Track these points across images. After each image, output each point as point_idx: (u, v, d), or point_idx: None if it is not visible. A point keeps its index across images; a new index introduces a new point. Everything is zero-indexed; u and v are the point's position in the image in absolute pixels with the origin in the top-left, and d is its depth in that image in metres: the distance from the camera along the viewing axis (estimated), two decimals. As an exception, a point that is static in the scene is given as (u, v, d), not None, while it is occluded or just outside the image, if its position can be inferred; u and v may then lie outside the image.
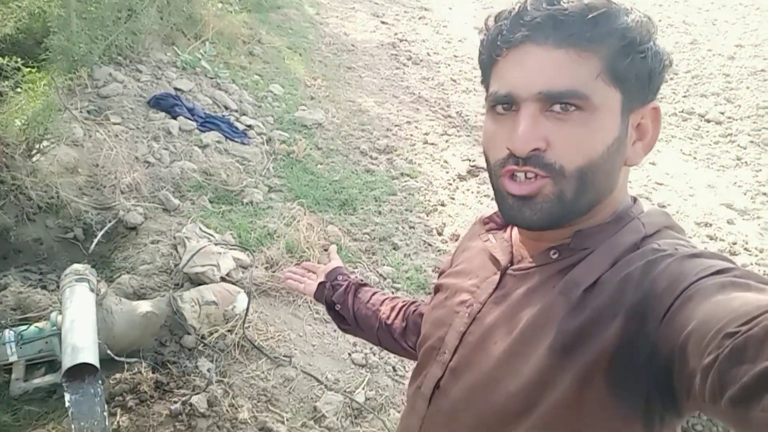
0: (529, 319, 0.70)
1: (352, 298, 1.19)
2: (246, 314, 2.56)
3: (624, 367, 0.61)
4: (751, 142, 5.84)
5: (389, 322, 1.12)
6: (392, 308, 1.14)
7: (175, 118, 3.99)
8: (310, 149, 4.40)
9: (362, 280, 1.25)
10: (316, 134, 4.67)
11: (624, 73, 0.67)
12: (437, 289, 0.93)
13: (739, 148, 5.78)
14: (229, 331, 2.52)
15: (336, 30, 7.37)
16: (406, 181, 4.29)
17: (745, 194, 4.99)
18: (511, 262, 0.80)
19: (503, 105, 0.71)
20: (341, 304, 1.20)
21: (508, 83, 0.70)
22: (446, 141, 5.13)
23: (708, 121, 6.28)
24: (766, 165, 5.46)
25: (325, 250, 3.26)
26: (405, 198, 4.09)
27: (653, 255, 0.65)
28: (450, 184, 4.45)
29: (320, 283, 1.25)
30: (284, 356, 2.51)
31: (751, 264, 3.98)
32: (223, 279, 2.73)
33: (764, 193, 5.01)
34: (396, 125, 5.22)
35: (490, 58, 0.74)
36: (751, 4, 9.50)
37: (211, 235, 3.03)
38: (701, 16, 8.97)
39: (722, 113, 6.38)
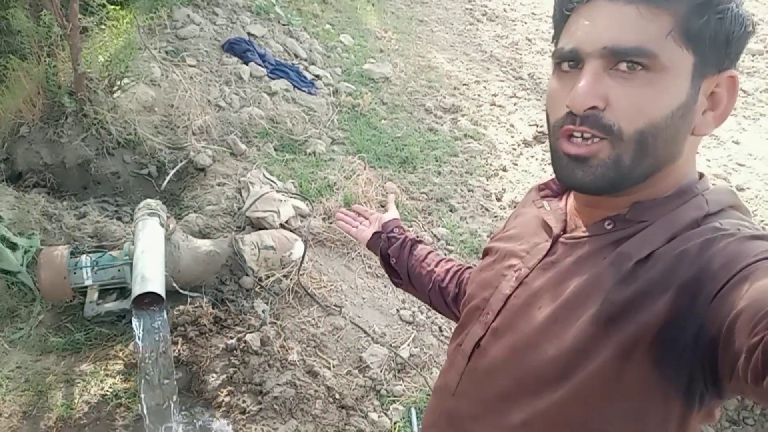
0: (576, 287, 0.70)
1: (408, 254, 1.18)
2: (302, 262, 2.65)
3: (669, 343, 0.61)
4: None
5: (443, 285, 1.12)
6: (447, 271, 1.14)
7: (246, 63, 4.06)
8: (375, 104, 4.39)
9: (418, 237, 1.24)
10: (382, 89, 4.64)
11: (698, 34, 0.64)
12: (486, 251, 0.93)
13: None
14: (284, 276, 2.63)
15: (411, -20, 7.16)
16: (468, 143, 4.23)
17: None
18: (564, 231, 0.79)
19: (569, 62, 0.69)
20: (396, 258, 1.19)
21: (574, 38, 0.68)
22: (515, 104, 4.99)
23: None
24: None
25: (382, 206, 3.31)
26: (466, 160, 4.04)
27: (713, 233, 0.63)
28: (514, 149, 4.35)
29: (375, 233, 1.25)
30: (335, 305, 2.60)
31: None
32: (282, 225, 2.83)
33: None
34: (464, 84, 5.10)
35: (561, 14, 0.72)
36: None
37: (274, 182, 3.12)
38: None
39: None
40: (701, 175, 0.74)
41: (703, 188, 0.71)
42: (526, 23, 6.70)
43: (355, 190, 3.26)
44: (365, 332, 2.54)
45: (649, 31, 0.63)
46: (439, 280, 1.13)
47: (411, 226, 3.31)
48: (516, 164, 4.17)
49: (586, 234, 0.75)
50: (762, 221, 3.93)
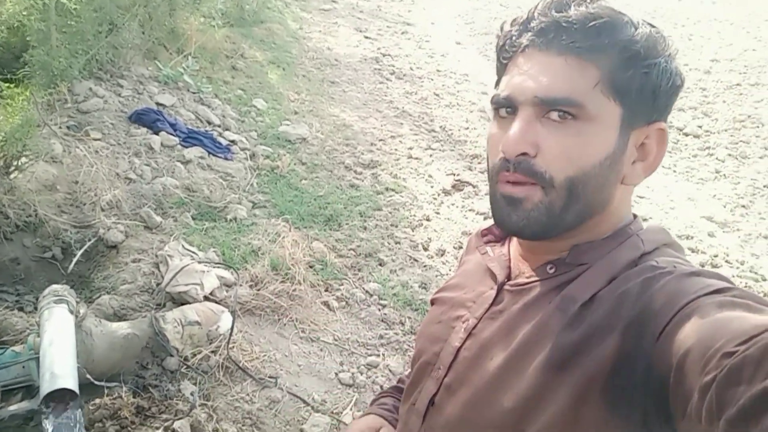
0: (525, 335, 0.69)
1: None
2: (230, 334, 2.51)
3: (620, 384, 0.60)
4: (729, 155, 5.96)
5: None
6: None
7: (157, 133, 3.94)
8: (294, 164, 4.37)
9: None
10: (300, 149, 4.65)
11: (624, 86, 0.66)
12: (433, 302, 0.91)
13: (717, 161, 5.89)
14: (213, 352, 2.46)
15: (319, 44, 7.38)
16: (391, 196, 4.28)
17: (724, 207, 5.07)
18: (509, 277, 0.79)
19: (506, 108, 0.71)
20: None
21: (509, 86, 0.71)
22: (430, 155, 5.14)
23: (686, 134, 6.40)
24: (744, 177, 5.56)
25: (311, 266, 3.23)
26: (390, 213, 4.07)
27: (651, 272, 0.65)
28: (435, 199, 4.45)
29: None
30: (270, 377, 2.46)
31: (733, 276, 4.03)
32: (206, 298, 2.68)
33: (743, 206, 5.10)
34: (380, 140, 5.22)
35: (501, 63, 0.75)
36: (726, 20, 9.75)
37: (194, 253, 2.98)
38: (677, 31, 9.17)
39: (700, 127, 6.50)
40: (635, 216, 0.76)
41: (637, 228, 0.74)
42: (432, 80, 7.04)
43: (282, 253, 3.17)
44: (304, 402, 2.41)
45: (577, 82, 0.66)
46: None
47: (342, 284, 3.25)
48: (438, 213, 4.26)
49: (530, 279, 0.75)
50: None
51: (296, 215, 3.73)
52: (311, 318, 2.93)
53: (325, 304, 3.07)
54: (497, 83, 0.77)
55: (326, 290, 3.17)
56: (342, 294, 3.17)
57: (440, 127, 5.75)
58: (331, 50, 7.30)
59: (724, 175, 5.62)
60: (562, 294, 0.70)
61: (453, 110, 6.24)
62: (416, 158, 5.03)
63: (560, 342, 0.65)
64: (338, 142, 4.94)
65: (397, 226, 3.94)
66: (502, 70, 0.75)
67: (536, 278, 0.74)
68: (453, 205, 4.42)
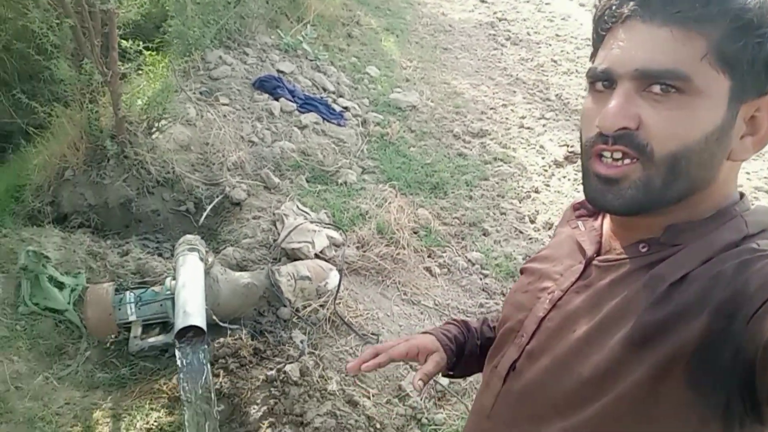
0: (609, 310, 0.69)
1: (476, 332, 1.05)
2: (337, 291, 2.67)
3: (706, 365, 0.59)
4: None
5: None
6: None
7: (277, 99, 4.18)
8: (404, 132, 4.44)
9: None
10: (410, 116, 4.70)
11: (735, 58, 0.62)
12: (522, 272, 0.93)
13: None
14: (321, 306, 2.64)
15: (434, 10, 7.30)
16: (499, 166, 4.23)
17: None
18: (599, 252, 0.79)
19: (603, 82, 0.69)
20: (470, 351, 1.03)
21: (607, 59, 0.68)
22: (543, 125, 4.97)
23: None
24: None
25: (415, 233, 3.32)
26: (497, 183, 4.03)
27: (750, 254, 0.62)
28: (545, 171, 4.32)
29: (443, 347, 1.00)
30: (372, 334, 2.60)
31: None
32: (317, 256, 2.86)
33: None
34: (491, 108, 5.13)
35: (598, 34, 0.72)
36: None
37: (307, 213, 3.17)
38: None
39: None
40: (742, 195, 0.72)
41: (743, 209, 0.70)
42: (550, 45, 6.73)
43: (387, 218, 3.28)
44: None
45: (682, 54, 0.63)
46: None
47: (444, 251, 3.30)
48: (548, 185, 4.14)
49: (621, 256, 0.74)
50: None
51: (403, 182, 3.81)
52: (413, 282, 3.03)
53: (428, 269, 3.15)
54: (593, 55, 0.74)
55: (429, 256, 3.25)
56: (444, 261, 3.23)
57: (556, 95, 5.51)
58: (446, 16, 7.20)
59: None
60: (651, 272, 0.68)
61: (571, 77, 5.94)
62: (528, 128, 4.89)
63: (643, 319, 0.65)
64: (448, 110, 4.93)
65: (503, 197, 3.90)
66: (599, 41, 0.72)
67: (627, 256, 0.73)
68: (564, 177, 4.27)
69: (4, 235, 2.69)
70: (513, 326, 0.85)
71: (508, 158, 4.35)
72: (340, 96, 4.70)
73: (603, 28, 0.71)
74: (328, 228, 3.11)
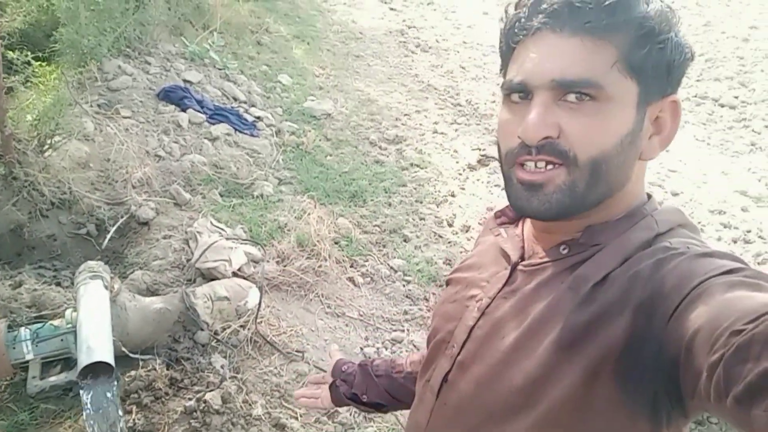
0: (537, 314, 0.70)
1: (373, 379, 1.09)
2: (258, 309, 2.57)
3: (631, 364, 0.61)
4: (766, 127, 5.75)
5: None
6: (420, 362, 1.02)
7: (184, 110, 3.99)
8: (320, 140, 4.38)
9: (367, 359, 1.15)
10: (325, 125, 4.65)
11: (641, 64, 0.66)
12: (448, 282, 0.93)
13: (753, 133, 5.69)
14: (241, 326, 2.53)
15: (344, 17, 7.30)
16: (415, 172, 4.27)
17: (759, 180, 4.92)
18: (522, 258, 0.80)
19: (518, 93, 0.70)
20: (365, 392, 1.09)
21: (522, 71, 0.69)
22: (456, 130, 5.10)
23: (722, 105, 6.19)
24: (781, 151, 5.37)
25: (336, 243, 3.27)
26: (415, 189, 4.07)
27: (664, 253, 0.65)
28: (460, 174, 4.42)
29: (330, 385, 1.14)
30: (297, 351, 2.53)
31: (766, 252, 3.94)
32: (234, 274, 2.74)
33: (779, 180, 4.94)
34: (405, 114, 5.19)
35: (508, 46, 0.73)
36: (768, -15, 9.29)
37: (222, 230, 3.03)
38: (716, -3, 8.79)
39: (736, 97, 6.28)
40: (649, 196, 0.76)
41: (652, 209, 0.73)
42: (458, 52, 6.92)
43: (307, 229, 3.21)
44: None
45: (594, 63, 0.65)
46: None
47: (367, 260, 3.28)
48: (463, 189, 4.24)
49: (544, 260, 0.76)
50: (699, 223, 4.12)
51: (322, 191, 3.75)
52: (337, 294, 2.98)
53: (351, 279, 3.12)
54: (503, 67, 0.75)
55: (351, 266, 3.21)
56: (367, 270, 3.21)
57: (466, 100, 5.67)
58: (356, 23, 7.22)
59: (760, 147, 5.43)
60: (574, 274, 0.70)
61: (479, 83, 6.14)
62: (441, 133, 4.99)
63: (571, 322, 0.66)
64: (363, 118, 4.93)
65: (422, 202, 3.94)
66: (509, 53, 0.73)
67: (549, 259, 0.75)
68: (478, 180, 4.39)
69: None
70: (443, 337, 0.84)
71: (424, 164, 4.41)
72: (252, 105, 4.57)
73: (513, 40, 0.71)
74: (246, 244, 2.99)
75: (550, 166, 0.68)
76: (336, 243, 3.31)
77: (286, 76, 5.23)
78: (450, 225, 3.80)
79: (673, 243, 0.67)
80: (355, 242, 3.36)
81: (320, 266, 3.03)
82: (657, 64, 0.67)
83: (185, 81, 4.37)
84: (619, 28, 0.65)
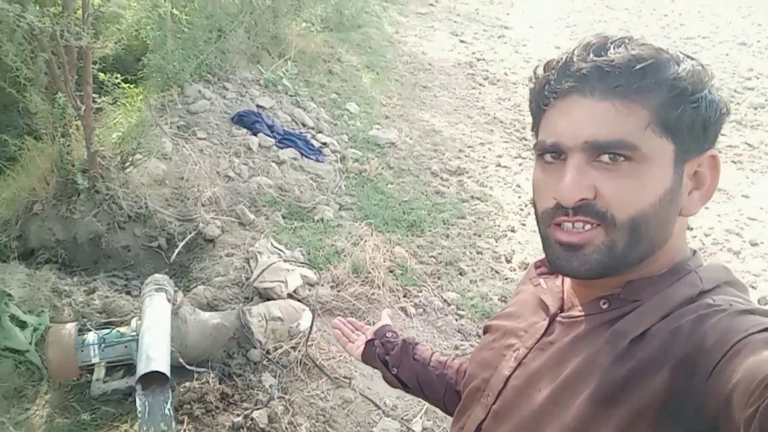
0: (574, 368, 0.70)
1: (411, 359, 1.11)
2: (310, 332, 2.62)
3: (670, 421, 0.60)
4: None
5: (459, 388, 1.02)
6: (457, 371, 1.07)
7: (255, 134, 4.18)
8: (382, 168, 4.46)
9: (413, 339, 1.17)
10: (389, 153, 4.73)
11: (675, 124, 0.66)
12: (486, 329, 0.93)
13: None
14: (292, 347, 2.59)
15: (414, 49, 7.44)
16: (476, 205, 4.25)
17: None
18: (561, 309, 0.79)
19: (551, 154, 0.71)
20: (398, 366, 1.11)
21: (554, 133, 0.70)
22: (520, 164, 5.04)
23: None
24: None
25: (391, 271, 3.30)
26: (474, 222, 4.05)
27: (705, 310, 0.63)
28: (522, 210, 4.36)
29: (368, 341, 1.17)
30: (344, 377, 2.55)
31: None
32: (290, 295, 2.82)
33: None
34: (469, 146, 5.19)
35: (538, 107, 0.75)
36: None
37: (282, 251, 3.13)
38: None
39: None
40: (694, 252, 0.75)
41: (696, 265, 0.72)
42: (527, 86, 6.84)
43: (363, 256, 3.26)
44: (376, 405, 2.47)
45: (627, 125, 0.65)
46: (453, 383, 1.06)
47: (420, 291, 3.28)
48: (524, 224, 4.17)
49: (582, 313, 0.75)
50: (779, 275, 3.85)
51: (380, 219, 3.80)
52: (388, 322, 2.99)
53: (403, 309, 3.12)
54: (535, 127, 0.77)
55: (405, 296, 3.22)
56: (420, 301, 3.20)
57: (532, 135, 5.60)
58: (426, 54, 7.34)
59: None
60: (612, 329, 0.69)
61: (547, 118, 6.06)
62: (505, 167, 4.95)
63: (608, 377, 0.65)
64: (426, 148, 4.97)
65: (480, 236, 3.91)
66: (540, 114, 0.75)
67: (588, 312, 0.74)
68: (540, 216, 4.30)
69: (-36, 271, 2.60)
70: (479, 385, 0.84)
71: (485, 197, 4.38)
72: (320, 132, 4.72)
73: (543, 102, 0.73)
74: (303, 266, 3.07)
75: (588, 227, 0.68)
76: (391, 271, 3.33)
77: (353, 104, 5.38)
78: (508, 261, 3.74)
79: (716, 300, 0.65)
80: (410, 272, 3.37)
81: (373, 294, 3.05)
82: (692, 123, 0.67)
83: (258, 106, 4.59)
84: (651, 90, 0.65)
